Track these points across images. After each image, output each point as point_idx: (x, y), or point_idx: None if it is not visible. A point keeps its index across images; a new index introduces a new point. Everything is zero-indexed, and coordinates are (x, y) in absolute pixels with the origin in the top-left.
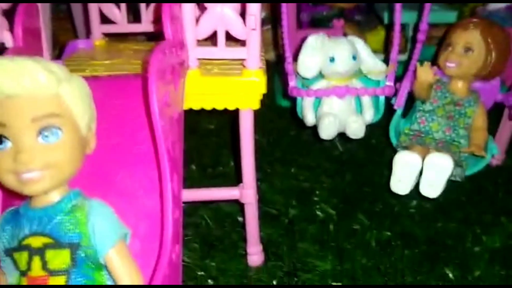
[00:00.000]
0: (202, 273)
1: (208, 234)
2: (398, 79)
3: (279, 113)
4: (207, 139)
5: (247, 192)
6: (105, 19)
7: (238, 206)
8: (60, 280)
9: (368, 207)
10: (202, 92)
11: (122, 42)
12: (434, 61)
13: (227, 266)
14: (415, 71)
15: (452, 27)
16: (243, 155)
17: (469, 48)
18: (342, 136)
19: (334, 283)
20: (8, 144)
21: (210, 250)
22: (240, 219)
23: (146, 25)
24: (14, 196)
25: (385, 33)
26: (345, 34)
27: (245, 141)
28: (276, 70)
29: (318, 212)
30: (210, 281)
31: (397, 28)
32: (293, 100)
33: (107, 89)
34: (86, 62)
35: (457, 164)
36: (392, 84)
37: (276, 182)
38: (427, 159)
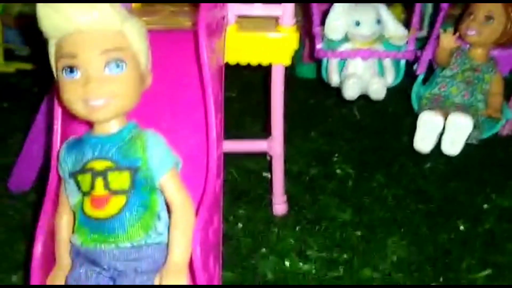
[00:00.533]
0: (232, 217)
1: (235, 187)
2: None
3: (299, 84)
4: (230, 106)
5: (275, 144)
6: None
7: (262, 163)
8: (121, 199)
9: (384, 168)
10: (238, 46)
11: (156, 5)
12: (455, 30)
13: (254, 214)
14: (437, 39)
15: None
16: (273, 109)
17: (490, 16)
18: (360, 103)
19: (354, 231)
20: (78, 74)
21: (237, 201)
22: (264, 174)
23: None
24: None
25: (403, 9)
26: None
27: (276, 96)
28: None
29: (338, 171)
30: (240, 225)
31: None
32: (318, 63)
33: (153, 41)
34: None
35: (474, 126)
36: (412, 48)
37: (297, 145)
38: (449, 118)
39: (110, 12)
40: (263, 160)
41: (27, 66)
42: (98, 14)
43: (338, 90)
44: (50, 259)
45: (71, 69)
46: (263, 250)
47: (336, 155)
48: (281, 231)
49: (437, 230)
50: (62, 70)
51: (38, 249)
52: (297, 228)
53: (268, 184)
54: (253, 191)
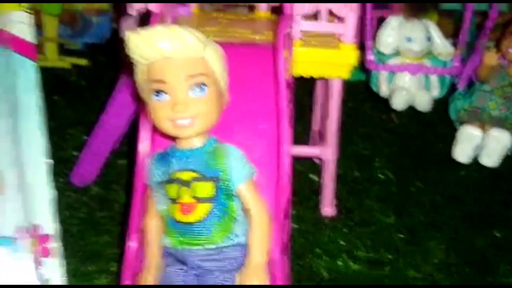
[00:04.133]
0: None
1: None
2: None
3: None
4: None
5: (328, 150)
6: None
7: (308, 165)
8: (205, 206)
9: (422, 174)
10: (302, 60)
11: (212, 12)
12: (497, 47)
13: (304, 214)
14: (479, 55)
15: None
16: (329, 117)
17: None
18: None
19: (397, 234)
20: (167, 97)
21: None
22: (311, 176)
23: None
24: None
25: (437, 18)
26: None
27: (333, 106)
28: None
29: (380, 175)
30: (295, 225)
31: (467, 15)
32: (368, 73)
33: (224, 54)
34: (194, 28)
35: None
36: (459, 65)
37: (339, 148)
38: (489, 133)
39: (192, 40)
40: (309, 162)
41: (82, 62)
42: (182, 44)
43: (376, 94)
44: (139, 257)
45: (160, 93)
46: (317, 250)
47: (377, 159)
48: (331, 233)
49: (474, 235)
50: (152, 93)
51: (131, 250)
52: (346, 230)
53: (315, 186)
54: (302, 193)
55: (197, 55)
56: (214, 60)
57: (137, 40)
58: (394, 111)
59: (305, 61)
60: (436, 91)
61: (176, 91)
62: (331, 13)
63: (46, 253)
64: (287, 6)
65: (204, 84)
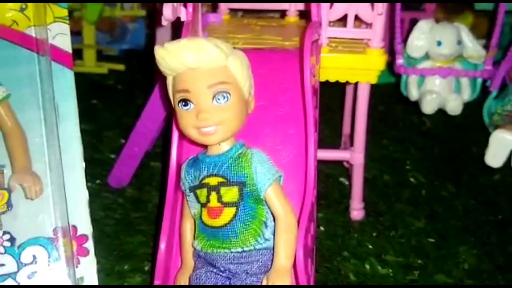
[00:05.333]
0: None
1: None
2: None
3: None
4: None
5: (357, 154)
6: None
7: (338, 169)
8: (232, 210)
9: (454, 178)
10: (329, 65)
11: (244, 19)
12: None
13: (333, 217)
14: None
15: None
16: (357, 121)
17: None
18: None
19: (427, 238)
20: (192, 106)
21: (316, 204)
22: (341, 179)
23: (269, 4)
24: (193, 147)
25: (472, 19)
26: (435, 17)
27: (361, 110)
28: None
29: (411, 179)
30: (322, 228)
31: (500, 16)
32: (398, 77)
33: (253, 60)
34: (224, 35)
35: None
36: (490, 68)
37: (369, 151)
38: None
39: (215, 52)
40: (339, 166)
41: (120, 67)
42: (205, 55)
43: (406, 97)
44: (170, 258)
45: (185, 102)
46: (345, 253)
47: (408, 162)
48: (360, 236)
49: (507, 241)
50: (178, 102)
51: (162, 251)
52: (375, 234)
53: (345, 190)
54: (331, 196)
55: (220, 65)
56: (237, 68)
57: (164, 54)
58: (425, 114)
59: (332, 66)
60: (466, 95)
61: (200, 99)
62: (357, 17)
63: (82, 252)
64: (314, 13)
65: (227, 92)
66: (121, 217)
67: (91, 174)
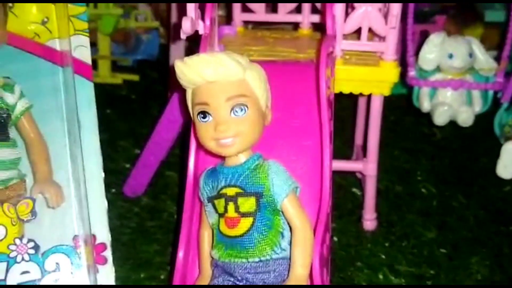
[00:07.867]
0: None
1: None
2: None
3: None
4: None
5: (370, 165)
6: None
7: (350, 179)
8: (249, 220)
9: (465, 189)
10: (343, 77)
11: (257, 31)
12: None
13: (346, 228)
14: None
15: None
16: (370, 133)
17: None
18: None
19: (439, 249)
20: (210, 118)
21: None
22: (354, 190)
23: (282, 16)
24: (210, 158)
25: (483, 30)
26: (446, 29)
27: (373, 121)
28: None
29: (422, 190)
30: (335, 238)
31: (511, 27)
32: (410, 88)
33: (268, 72)
34: (239, 47)
35: None
36: (501, 80)
37: (380, 161)
38: None
39: (233, 65)
40: (352, 177)
41: (134, 78)
42: (224, 69)
43: (418, 108)
44: (187, 266)
45: (204, 115)
46: (358, 263)
47: (419, 173)
48: (372, 246)
49: None
50: (197, 115)
51: (180, 259)
52: (387, 244)
53: (357, 200)
54: (343, 206)
55: (238, 78)
56: (255, 81)
57: (183, 67)
58: (436, 125)
59: (346, 78)
60: (478, 107)
61: (218, 112)
62: (370, 29)
63: (101, 261)
64: (329, 26)
65: (244, 105)
66: (136, 226)
67: (106, 183)
